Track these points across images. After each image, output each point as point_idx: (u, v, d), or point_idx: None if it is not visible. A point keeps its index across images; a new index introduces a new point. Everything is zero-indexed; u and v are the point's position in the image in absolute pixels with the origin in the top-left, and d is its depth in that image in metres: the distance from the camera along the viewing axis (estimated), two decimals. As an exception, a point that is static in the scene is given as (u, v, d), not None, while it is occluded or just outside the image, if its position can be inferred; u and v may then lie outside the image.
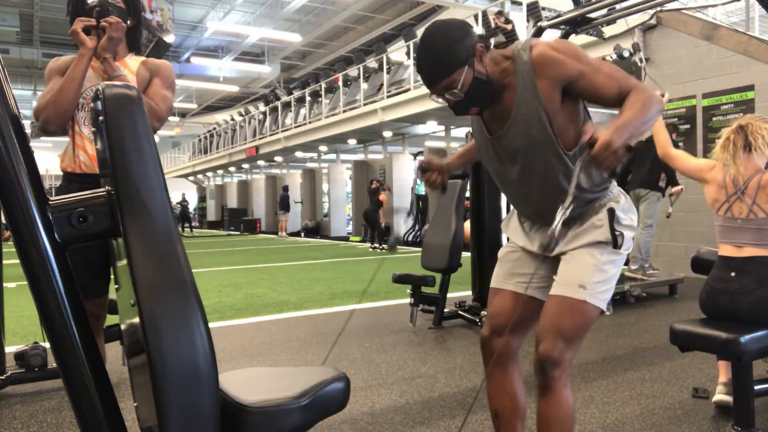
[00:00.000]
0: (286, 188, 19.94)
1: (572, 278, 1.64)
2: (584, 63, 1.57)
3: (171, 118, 26.93)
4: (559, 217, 1.43)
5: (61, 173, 2.18)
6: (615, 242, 1.64)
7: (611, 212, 1.66)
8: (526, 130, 1.61)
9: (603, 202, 1.69)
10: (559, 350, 1.59)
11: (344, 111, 16.03)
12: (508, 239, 1.93)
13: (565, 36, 4.75)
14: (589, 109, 1.75)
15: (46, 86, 2.11)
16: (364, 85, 15.52)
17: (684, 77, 7.60)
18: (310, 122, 18.00)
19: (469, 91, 1.57)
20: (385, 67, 14.49)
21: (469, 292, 5.32)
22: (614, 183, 1.75)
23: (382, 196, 13.34)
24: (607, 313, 4.97)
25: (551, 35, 7.75)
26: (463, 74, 1.54)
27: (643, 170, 6.04)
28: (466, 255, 4.83)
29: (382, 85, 14.55)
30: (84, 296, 2.22)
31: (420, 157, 1.71)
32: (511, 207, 1.93)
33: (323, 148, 20.40)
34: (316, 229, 20.21)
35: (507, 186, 1.81)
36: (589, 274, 1.63)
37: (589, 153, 1.44)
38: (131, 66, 2.18)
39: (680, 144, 7.60)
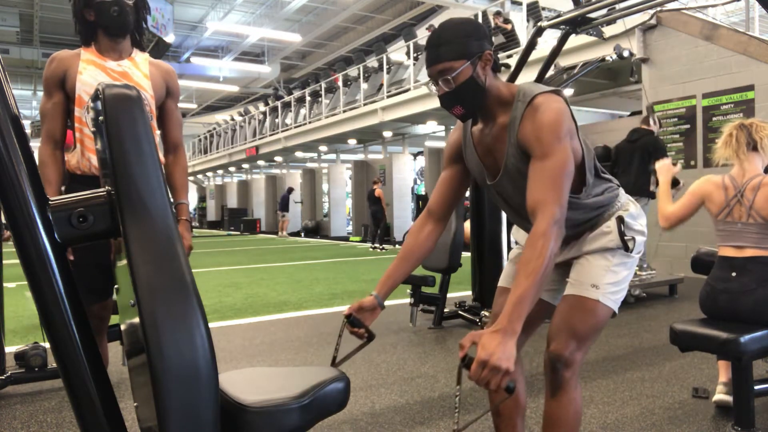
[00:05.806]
0: (290, 190, 19.95)
1: (585, 279, 1.67)
2: (545, 146, 1.47)
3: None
4: None
5: None
6: (626, 247, 1.67)
7: (620, 220, 1.69)
8: (513, 180, 1.62)
9: (612, 211, 1.72)
10: (571, 350, 1.62)
11: (344, 111, 16.04)
12: (516, 242, 1.96)
13: (565, 36, 4.74)
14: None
15: (48, 98, 2.05)
16: (364, 85, 15.52)
17: (684, 77, 7.60)
18: (310, 122, 18.00)
19: (461, 88, 1.53)
20: (385, 67, 14.49)
21: (469, 292, 5.32)
22: (621, 191, 1.79)
23: (378, 191, 13.23)
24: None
25: (551, 35, 7.76)
26: (462, 67, 1.50)
27: (630, 174, 5.80)
28: (466, 255, 4.84)
29: (382, 85, 14.55)
30: (94, 299, 2.19)
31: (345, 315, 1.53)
32: None
33: (323, 148, 20.41)
34: (316, 229, 20.21)
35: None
36: (601, 275, 1.66)
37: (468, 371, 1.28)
38: (142, 67, 2.13)
39: (681, 143, 7.62)
